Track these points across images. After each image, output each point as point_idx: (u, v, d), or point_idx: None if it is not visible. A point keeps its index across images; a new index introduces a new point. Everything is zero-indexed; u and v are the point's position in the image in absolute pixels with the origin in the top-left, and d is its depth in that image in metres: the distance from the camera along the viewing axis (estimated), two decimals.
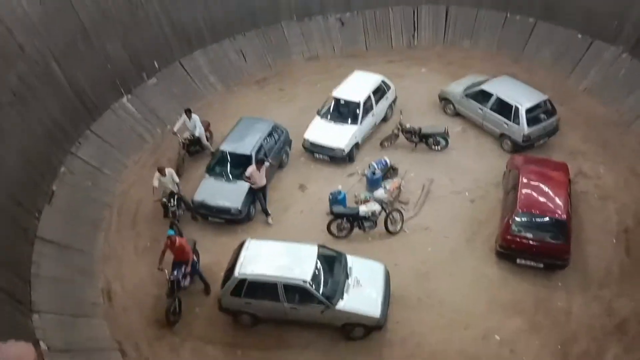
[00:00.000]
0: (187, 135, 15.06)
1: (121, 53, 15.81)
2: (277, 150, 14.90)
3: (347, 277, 11.30)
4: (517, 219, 12.13)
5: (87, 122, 14.75)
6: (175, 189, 13.33)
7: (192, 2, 17.53)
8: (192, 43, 18.13)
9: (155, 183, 13.15)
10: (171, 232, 11.69)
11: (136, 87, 16.48)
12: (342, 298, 10.94)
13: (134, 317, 11.79)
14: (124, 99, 16.09)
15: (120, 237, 13.48)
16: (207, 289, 12.17)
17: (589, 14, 17.70)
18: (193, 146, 15.21)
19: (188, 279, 11.75)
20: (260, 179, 13.37)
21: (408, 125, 15.54)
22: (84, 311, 11.59)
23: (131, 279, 12.53)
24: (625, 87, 16.64)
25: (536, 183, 12.88)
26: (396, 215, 13.28)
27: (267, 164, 13.61)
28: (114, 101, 15.74)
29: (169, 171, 13.29)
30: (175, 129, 14.87)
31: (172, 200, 13.16)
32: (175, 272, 11.40)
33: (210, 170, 14.07)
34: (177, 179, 13.42)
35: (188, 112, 15.00)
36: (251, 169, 13.23)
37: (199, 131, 15.03)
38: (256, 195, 13.63)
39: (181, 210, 13.46)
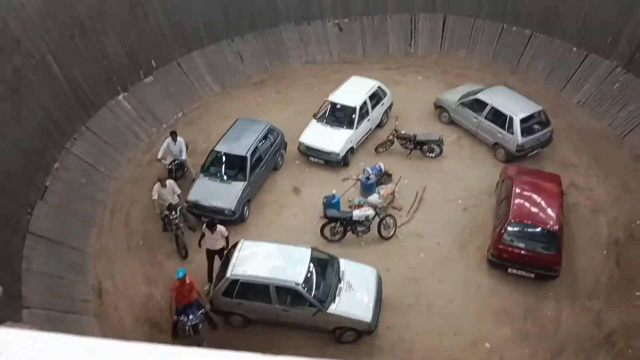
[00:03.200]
0: (169, 160, 14.17)
1: (119, 50, 15.77)
2: (273, 153, 14.91)
3: (339, 280, 11.33)
4: (510, 228, 12.21)
5: (83, 119, 14.68)
6: (175, 201, 12.78)
7: (191, 2, 17.54)
8: (190, 43, 18.12)
9: (155, 195, 12.61)
10: (182, 271, 10.50)
11: (133, 84, 16.43)
12: (333, 301, 10.97)
13: (124, 315, 11.74)
14: (120, 97, 16.04)
15: (113, 235, 13.42)
16: (214, 326, 11.42)
17: (584, 28, 17.91)
18: (177, 171, 14.28)
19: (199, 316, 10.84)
20: (214, 244, 11.97)
21: (403, 132, 15.64)
22: (74, 308, 11.52)
23: (123, 276, 12.48)
24: (619, 101, 16.83)
25: (529, 193, 12.97)
26: (389, 220, 13.34)
27: (221, 228, 11.91)
28: (110, 98, 15.69)
29: (170, 182, 12.79)
30: (159, 156, 13.95)
31: (173, 213, 12.60)
32: (190, 316, 10.58)
33: (204, 171, 14.05)
34: (178, 190, 12.91)
35: (173, 135, 14.15)
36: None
37: (183, 154, 14.21)
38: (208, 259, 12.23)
39: (182, 222, 12.86)
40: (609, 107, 16.95)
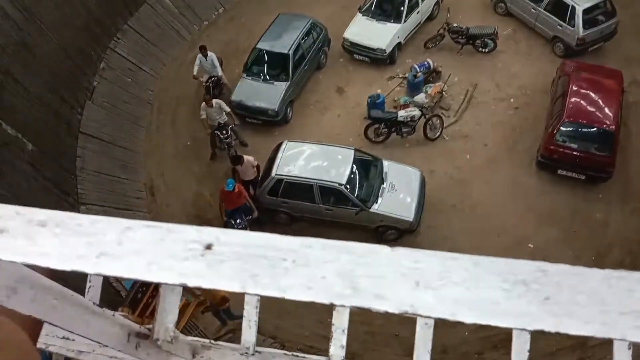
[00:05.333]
0: (205, 77, 13.53)
1: None
2: (316, 50, 14.44)
3: (382, 181, 11.36)
4: (563, 128, 11.74)
5: (125, 17, 14.49)
6: (224, 120, 12.40)
7: None
8: None
9: (203, 115, 12.28)
10: (232, 183, 10.75)
11: None
12: (376, 202, 11.10)
13: (176, 212, 12.30)
14: None
15: (161, 135, 13.72)
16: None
17: None
18: (215, 88, 13.51)
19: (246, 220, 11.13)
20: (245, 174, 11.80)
21: (455, 25, 14.68)
22: (128, 205, 12.14)
23: (172, 176, 12.91)
24: None
25: (587, 91, 12.28)
26: (436, 121, 12.98)
27: (248, 158, 11.68)
28: None
29: (216, 101, 12.29)
30: (194, 73, 13.46)
31: (223, 132, 12.27)
32: (238, 220, 10.96)
33: (247, 70, 13.85)
34: (227, 109, 12.43)
35: (203, 50, 13.36)
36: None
37: (218, 70, 13.50)
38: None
39: (234, 141, 12.58)
40: None
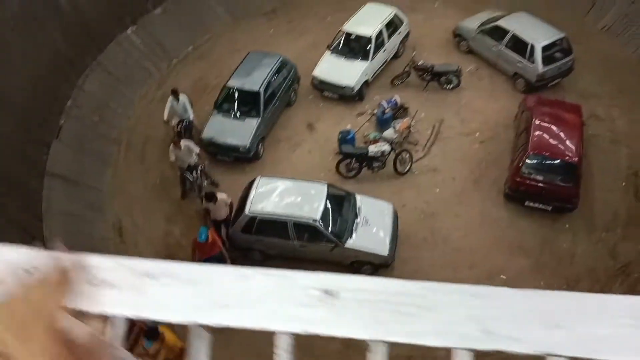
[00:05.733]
0: (175, 120, 13.31)
1: None
2: (286, 88, 14.61)
3: (355, 216, 11.41)
4: (528, 161, 12.08)
5: (93, 55, 14.38)
6: (194, 161, 12.20)
7: None
8: None
9: (172, 157, 12.14)
10: (204, 234, 10.26)
11: (142, 17, 15.95)
12: (350, 236, 11.11)
13: (145, 252, 12.00)
14: (129, 31, 15.62)
15: (129, 173, 13.49)
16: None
17: None
18: (186, 132, 13.25)
19: None
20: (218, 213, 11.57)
21: (420, 63, 15.15)
22: (94, 246, 11.77)
23: (141, 214, 12.66)
24: None
25: (549, 125, 12.72)
26: (405, 155, 13.21)
27: (222, 195, 11.56)
28: (119, 32, 15.28)
29: (185, 143, 12.08)
30: (165, 117, 13.20)
31: (193, 173, 12.19)
32: None
33: (218, 107, 13.87)
34: (196, 149, 12.23)
35: (174, 94, 13.18)
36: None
37: (190, 114, 13.33)
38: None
39: (205, 182, 12.49)
40: (636, 31, 16.18)
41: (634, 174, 13.08)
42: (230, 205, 11.60)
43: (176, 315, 0.84)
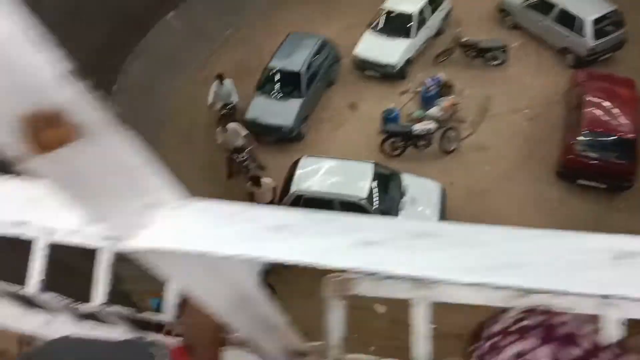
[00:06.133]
0: (220, 104, 13.24)
1: None
2: (327, 67, 14.49)
3: (402, 195, 11.24)
4: (581, 138, 11.68)
5: (136, 40, 14.53)
6: (240, 144, 12.12)
7: None
8: None
9: (219, 139, 12.15)
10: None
11: (182, 1, 16.01)
12: (397, 216, 10.95)
13: None
14: (170, 15, 15.70)
15: (177, 155, 13.38)
16: None
17: None
18: (231, 115, 13.11)
19: None
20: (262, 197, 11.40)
21: (465, 39, 14.80)
22: None
23: (189, 196, 12.71)
24: None
25: (602, 100, 12.28)
26: (452, 133, 12.93)
27: (266, 180, 11.42)
28: (160, 17, 15.38)
29: (232, 125, 12.02)
30: (210, 101, 13.26)
31: (242, 155, 12.08)
32: None
33: (260, 88, 13.85)
34: (243, 132, 12.12)
35: (220, 77, 13.23)
36: None
37: (235, 97, 13.36)
38: None
39: (252, 164, 12.36)
40: None
41: None
42: (274, 189, 11.57)
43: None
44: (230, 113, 13.33)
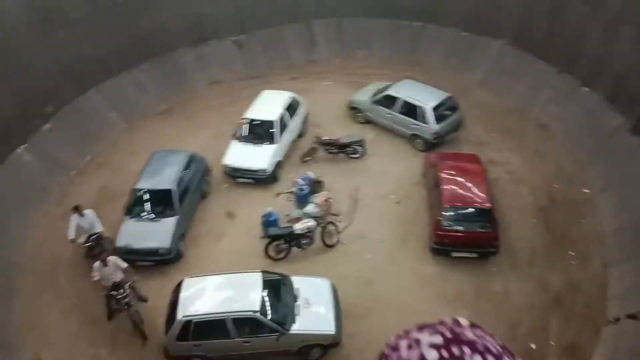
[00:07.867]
0: (84, 238, 12.42)
1: (9, 101, 14.41)
2: (198, 181, 14.33)
3: (295, 299, 11.05)
4: (445, 214, 12.56)
5: None
6: (119, 279, 11.06)
7: (77, 39, 16.33)
8: (84, 81, 16.92)
9: (96, 276, 10.93)
10: None
11: (31, 134, 15.11)
12: (294, 321, 10.68)
13: None
14: (20, 149, 14.67)
15: (41, 300, 12.18)
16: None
17: (467, 14, 19.01)
18: (97, 247, 12.36)
19: None
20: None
21: (325, 138, 15.71)
22: None
23: (62, 343, 11.32)
24: (514, 76, 17.96)
25: (456, 177, 13.42)
26: (331, 227, 13.27)
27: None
28: (9, 153, 14.31)
29: (112, 259, 11.10)
30: (71, 236, 12.16)
31: (120, 291, 10.97)
32: None
33: (129, 212, 13.18)
34: (123, 265, 11.21)
35: (78, 209, 12.31)
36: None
37: (98, 226, 12.53)
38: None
39: (133, 300, 11.31)
40: (507, 83, 18.00)
41: (540, 208, 14.07)
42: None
43: None
44: (96, 244, 12.44)
